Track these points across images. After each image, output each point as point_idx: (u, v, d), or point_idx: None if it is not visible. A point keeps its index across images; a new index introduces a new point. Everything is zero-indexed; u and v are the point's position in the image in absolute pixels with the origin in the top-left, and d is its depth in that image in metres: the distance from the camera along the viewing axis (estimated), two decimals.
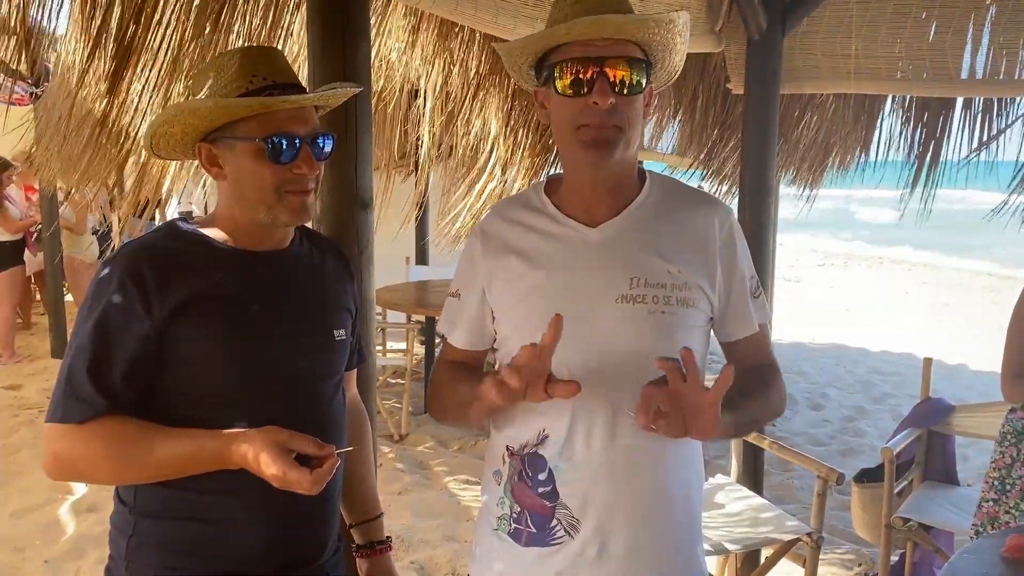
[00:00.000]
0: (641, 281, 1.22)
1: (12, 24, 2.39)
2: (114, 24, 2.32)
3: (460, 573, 3.17)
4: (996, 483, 2.29)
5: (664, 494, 1.26)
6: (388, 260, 3.41)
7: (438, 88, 4.23)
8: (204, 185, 4.58)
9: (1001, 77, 3.16)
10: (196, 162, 1.29)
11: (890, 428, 3.84)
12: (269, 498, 1.15)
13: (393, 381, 5.68)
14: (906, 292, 12.86)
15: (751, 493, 2.92)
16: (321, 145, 1.26)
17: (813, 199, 5.70)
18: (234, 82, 1.21)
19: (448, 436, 4.80)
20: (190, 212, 8.09)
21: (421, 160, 4.95)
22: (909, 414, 3.15)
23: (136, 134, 2.94)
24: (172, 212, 8.07)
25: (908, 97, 4.49)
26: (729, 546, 2.50)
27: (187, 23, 2.55)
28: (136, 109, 2.82)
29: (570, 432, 1.22)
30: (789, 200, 5.82)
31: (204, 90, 1.24)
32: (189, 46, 2.63)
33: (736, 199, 3.24)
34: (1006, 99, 4.10)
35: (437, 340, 4.88)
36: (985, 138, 4.20)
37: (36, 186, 6.45)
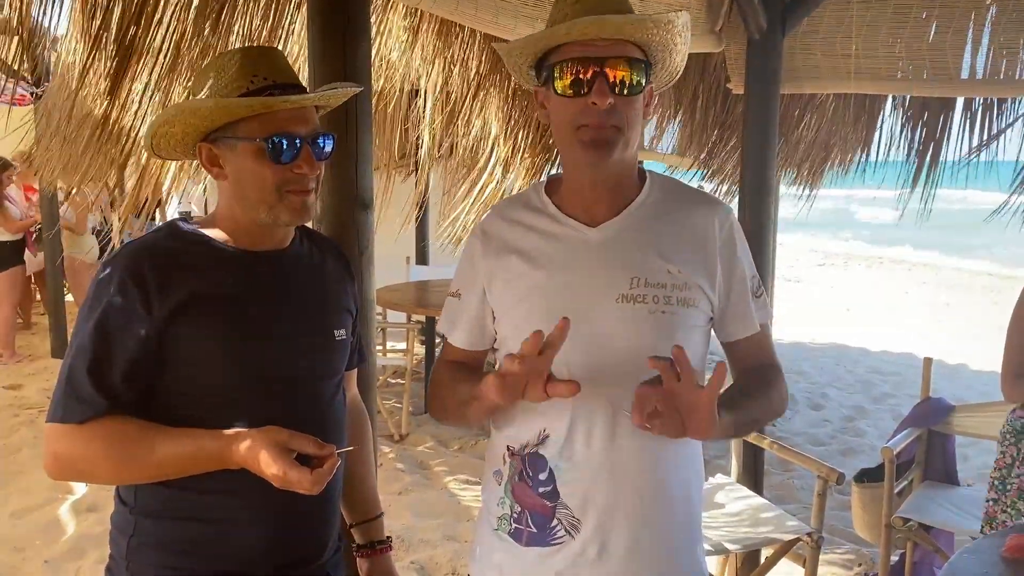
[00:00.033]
0: (641, 281, 1.22)
1: (13, 24, 2.38)
2: (114, 24, 2.32)
3: (460, 573, 3.17)
4: (997, 483, 2.29)
5: (664, 494, 1.26)
6: (388, 260, 3.41)
7: (438, 88, 4.23)
8: (204, 185, 4.58)
9: (1001, 77, 3.16)
10: (196, 162, 1.30)
11: (890, 428, 3.85)
12: (270, 498, 1.15)
13: (393, 381, 5.68)
14: (906, 292, 12.86)
15: (751, 493, 2.92)
16: (322, 145, 1.26)
17: (813, 199, 5.70)
18: (235, 82, 1.21)
19: (448, 436, 4.80)
20: (189, 212, 8.09)
21: (421, 160, 4.95)
22: (909, 414, 3.16)
23: (136, 134, 2.94)
24: (172, 212, 8.07)
25: (908, 97, 4.50)
26: (729, 546, 2.50)
27: (187, 23, 2.55)
28: (137, 109, 2.82)
29: (570, 432, 1.22)
30: (789, 200, 5.82)
31: (205, 90, 1.24)
32: (189, 46, 2.63)
33: (736, 199, 3.24)
34: (1007, 99, 4.10)
35: (437, 340, 4.88)
36: (985, 138, 4.21)
37: (35, 186, 6.46)
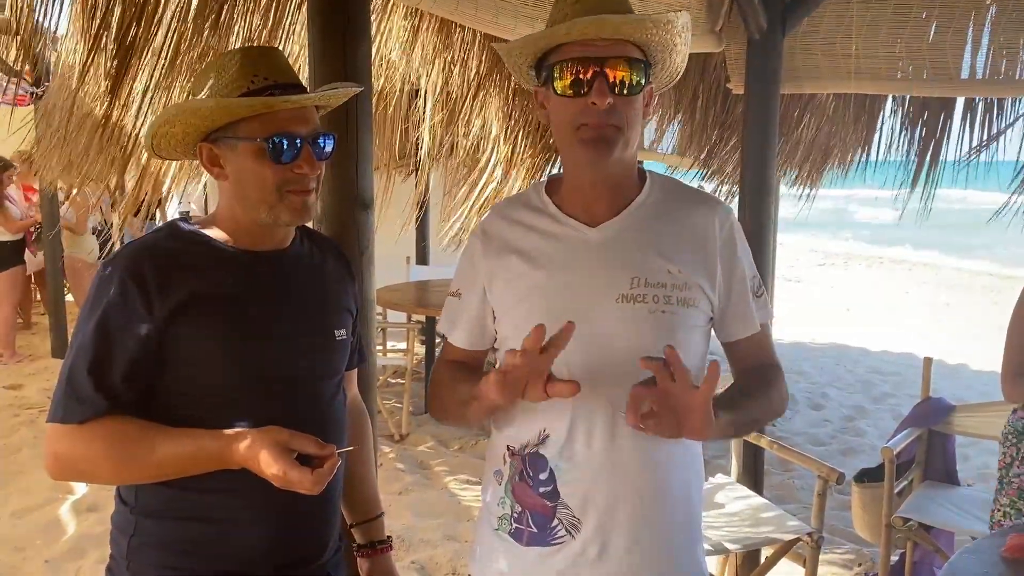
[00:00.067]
0: (641, 281, 1.22)
1: (14, 25, 2.38)
2: (114, 24, 2.31)
3: (461, 573, 3.17)
4: (997, 483, 2.29)
5: (665, 494, 1.26)
6: (389, 260, 3.41)
7: (438, 88, 4.23)
8: (203, 185, 4.58)
9: (1001, 77, 3.16)
10: (196, 162, 1.30)
11: (890, 428, 3.85)
12: (270, 498, 1.15)
13: (393, 381, 5.68)
14: (906, 292, 12.86)
15: (751, 493, 2.92)
16: (322, 145, 1.26)
17: (813, 199, 5.70)
18: (235, 82, 1.21)
19: (448, 436, 4.80)
20: (187, 212, 8.10)
21: (421, 160, 4.95)
22: (909, 414, 3.16)
23: (137, 134, 2.94)
24: (172, 212, 8.08)
25: (908, 97, 4.49)
26: (729, 546, 2.51)
27: (187, 23, 2.55)
28: (137, 109, 2.82)
29: (571, 432, 1.22)
30: (789, 200, 5.82)
31: (205, 90, 1.24)
32: (189, 46, 2.63)
33: (736, 199, 3.24)
34: (1007, 99, 4.10)
35: (437, 340, 4.88)
36: (985, 138, 4.20)
37: (35, 186, 6.46)
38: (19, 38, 2.61)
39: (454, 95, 4.34)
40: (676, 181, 1.40)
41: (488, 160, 4.53)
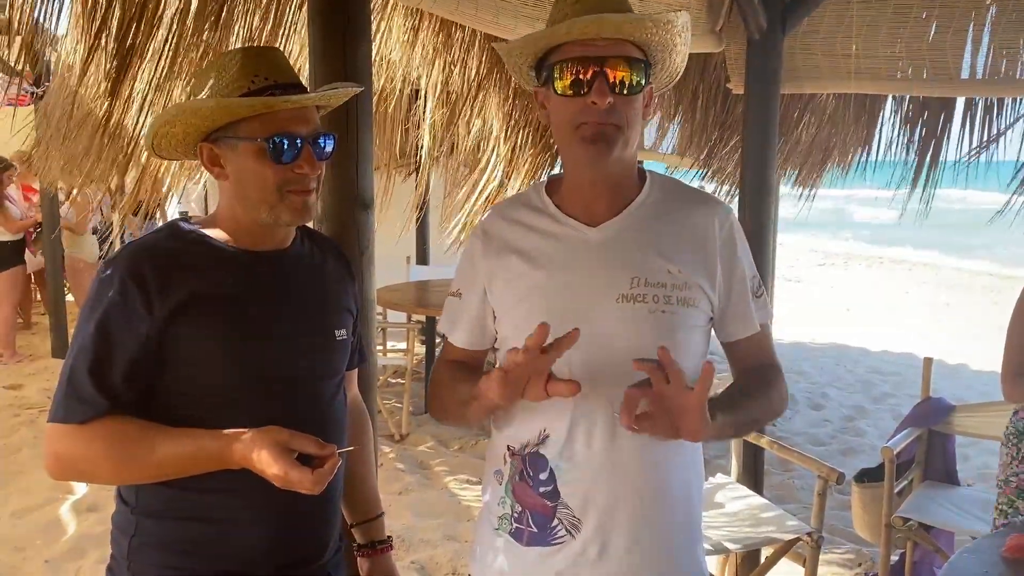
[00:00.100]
0: (641, 281, 1.22)
1: (14, 24, 2.38)
2: (114, 24, 2.31)
3: (461, 573, 3.17)
4: (997, 486, 2.30)
5: (665, 494, 1.26)
6: (389, 260, 3.41)
7: (438, 88, 4.23)
8: (203, 184, 4.58)
9: (1001, 77, 3.15)
10: (197, 162, 1.30)
11: (890, 428, 3.85)
12: (271, 498, 1.15)
13: (394, 381, 5.68)
14: (906, 292, 12.86)
15: (751, 493, 2.92)
16: (322, 145, 1.26)
17: (813, 199, 5.70)
18: (236, 82, 1.21)
19: (449, 436, 4.80)
20: (186, 212, 8.10)
21: (421, 160, 4.95)
22: (909, 414, 3.16)
23: (137, 134, 2.94)
24: (172, 212, 8.08)
25: (908, 97, 4.49)
26: (729, 546, 2.51)
27: (187, 23, 2.55)
28: (137, 109, 2.82)
29: (571, 432, 1.22)
30: (789, 200, 5.82)
31: (205, 90, 1.24)
32: (189, 46, 2.63)
33: (736, 199, 3.24)
34: (1007, 99, 4.10)
35: (437, 340, 4.88)
36: (985, 138, 4.20)
37: (35, 186, 6.46)
38: (19, 38, 2.61)
39: (454, 95, 4.34)
40: (676, 181, 1.40)
41: (488, 160, 4.54)
